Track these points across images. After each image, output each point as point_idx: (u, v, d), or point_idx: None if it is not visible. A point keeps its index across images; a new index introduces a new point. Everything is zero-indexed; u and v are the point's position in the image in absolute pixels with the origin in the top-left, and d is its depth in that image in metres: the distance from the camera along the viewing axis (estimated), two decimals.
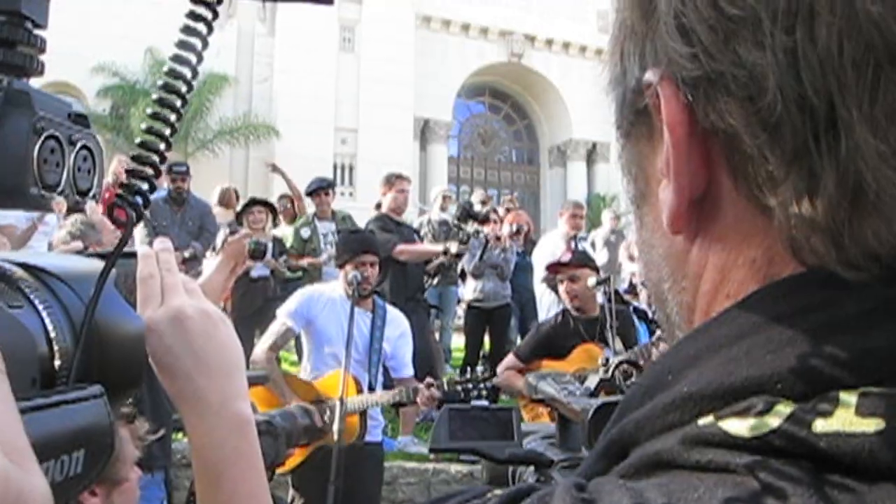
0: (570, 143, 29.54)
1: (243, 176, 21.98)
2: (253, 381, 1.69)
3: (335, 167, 25.34)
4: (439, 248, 6.74)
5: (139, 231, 7.35)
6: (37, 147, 0.43)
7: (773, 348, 0.40)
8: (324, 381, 4.17)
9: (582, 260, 4.97)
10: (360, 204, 15.40)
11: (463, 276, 9.08)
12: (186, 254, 7.13)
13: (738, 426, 0.38)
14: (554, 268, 5.05)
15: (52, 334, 0.44)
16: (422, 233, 8.73)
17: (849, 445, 0.36)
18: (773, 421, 0.38)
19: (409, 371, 4.50)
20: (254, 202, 7.63)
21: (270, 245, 7.24)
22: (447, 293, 8.69)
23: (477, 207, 8.15)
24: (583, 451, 1.23)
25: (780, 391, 0.38)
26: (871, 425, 0.36)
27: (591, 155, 29.81)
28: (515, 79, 30.07)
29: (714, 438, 0.39)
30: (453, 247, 6.61)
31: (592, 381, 1.26)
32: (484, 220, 7.77)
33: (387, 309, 4.41)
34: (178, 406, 0.67)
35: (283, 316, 4.30)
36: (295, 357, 6.85)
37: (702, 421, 0.39)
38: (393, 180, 6.99)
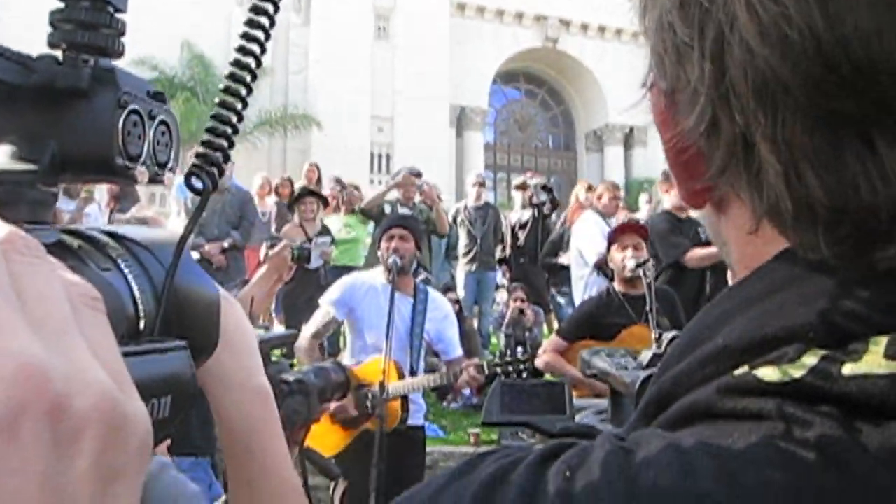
0: (606, 128, 29.33)
1: (281, 166, 22.14)
2: (281, 342, 1.73)
3: (372, 156, 25.45)
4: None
5: (180, 220, 7.46)
6: (121, 120, 0.46)
7: (806, 300, 0.41)
8: (365, 366, 4.21)
9: (638, 226, 4.84)
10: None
11: (501, 261, 9.10)
12: (226, 244, 7.18)
13: (770, 373, 0.40)
14: (622, 229, 4.84)
15: (137, 296, 0.47)
16: (458, 219, 8.77)
17: (877, 387, 0.37)
18: (804, 367, 0.39)
19: (458, 352, 4.45)
20: (305, 192, 7.74)
21: (317, 234, 7.36)
22: (485, 279, 8.70)
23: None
24: None
25: (812, 340, 0.40)
26: None
27: (629, 139, 29.57)
28: (551, 64, 29.90)
29: (748, 386, 0.40)
30: None
31: (646, 357, 1.27)
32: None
33: (428, 292, 4.43)
34: (203, 383, 0.71)
35: (326, 304, 4.33)
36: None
37: (737, 371, 0.41)
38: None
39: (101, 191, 8.33)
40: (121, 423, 0.31)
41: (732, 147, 0.43)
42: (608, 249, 4.76)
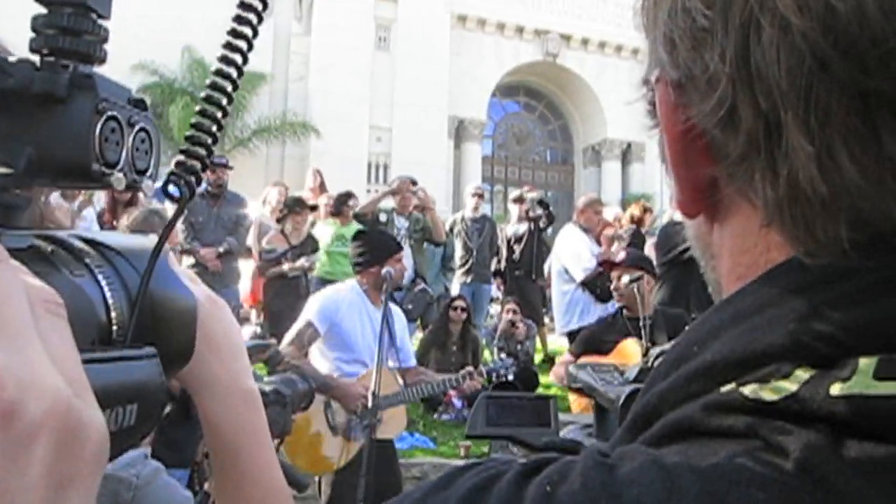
0: (604, 143, 29.37)
1: (279, 173, 22.14)
2: (258, 350, 1.72)
3: (370, 166, 25.44)
4: None
5: (178, 226, 7.46)
6: (98, 126, 0.46)
7: (795, 317, 0.41)
8: (363, 378, 4.23)
9: (635, 261, 4.94)
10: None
11: (496, 273, 9.10)
12: (221, 248, 7.19)
13: (758, 391, 0.39)
14: (608, 265, 5.05)
15: (111, 302, 0.47)
16: (455, 230, 8.77)
17: (866, 407, 0.37)
18: (792, 385, 0.39)
19: (414, 360, 4.70)
20: (297, 204, 7.75)
21: (301, 244, 7.38)
22: (480, 291, 8.70)
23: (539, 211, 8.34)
24: None
25: (801, 358, 0.39)
26: (891, 388, 0.37)
27: (626, 155, 29.61)
28: (550, 78, 29.97)
29: (735, 404, 0.40)
30: None
31: (632, 372, 1.26)
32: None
33: (389, 304, 4.44)
34: (190, 387, 0.71)
35: (309, 315, 4.32)
36: None
37: (724, 388, 0.41)
38: None
39: (101, 195, 8.31)
40: (75, 429, 0.31)
41: (753, 134, 0.42)
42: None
